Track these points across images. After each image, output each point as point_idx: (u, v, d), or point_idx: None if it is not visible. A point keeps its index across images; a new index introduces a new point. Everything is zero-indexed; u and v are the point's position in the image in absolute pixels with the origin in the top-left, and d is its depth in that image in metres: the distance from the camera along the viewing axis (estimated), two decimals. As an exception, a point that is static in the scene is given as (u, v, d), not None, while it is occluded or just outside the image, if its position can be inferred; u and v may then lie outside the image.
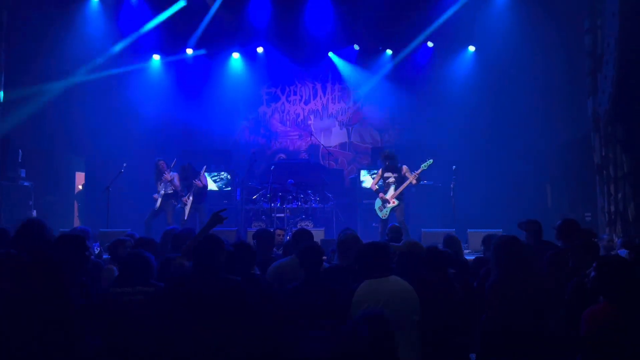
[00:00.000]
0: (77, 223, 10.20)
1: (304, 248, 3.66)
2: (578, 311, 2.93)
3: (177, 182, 8.66)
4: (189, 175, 8.72)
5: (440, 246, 4.35)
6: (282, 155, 12.36)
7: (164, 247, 4.83)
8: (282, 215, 9.89)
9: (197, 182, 8.64)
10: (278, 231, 6.97)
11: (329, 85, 12.55)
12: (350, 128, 12.50)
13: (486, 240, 5.07)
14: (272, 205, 9.65)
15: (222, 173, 10.93)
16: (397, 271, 3.75)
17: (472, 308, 3.50)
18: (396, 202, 7.78)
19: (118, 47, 10.67)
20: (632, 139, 7.94)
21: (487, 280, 3.49)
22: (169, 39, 11.33)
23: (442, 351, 3.23)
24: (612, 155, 8.23)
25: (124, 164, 8.78)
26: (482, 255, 5.11)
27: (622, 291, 2.73)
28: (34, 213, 8.92)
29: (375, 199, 8.06)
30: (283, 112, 12.60)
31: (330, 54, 11.85)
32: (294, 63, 12.08)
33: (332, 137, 12.50)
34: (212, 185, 10.84)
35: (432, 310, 3.27)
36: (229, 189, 10.94)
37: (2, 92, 8.68)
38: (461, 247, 5.07)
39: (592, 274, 2.86)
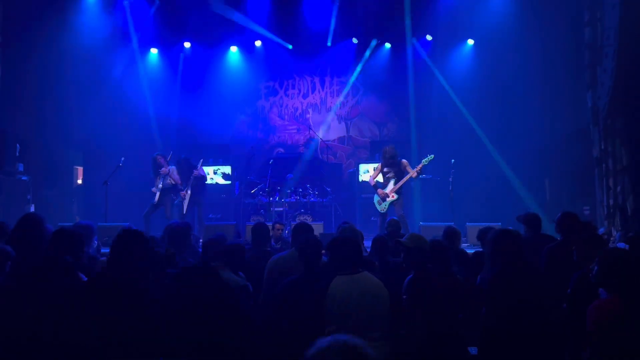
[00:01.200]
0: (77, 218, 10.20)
1: (304, 241, 3.64)
2: (581, 304, 2.91)
3: (176, 175, 8.63)
4: (186, 169, 8.69)
5: (440, 238, 4.33)
6: (281, 150, 12.34)
7: (164, 241, 4.81)
8: (280, 209, 9.89)
9: (196, 172, 8.62)
10: (277, 225, 6.96)
11: (327, 79, 12.50)
12: (349, 122, 12.47)
13: (481, 235, 4.98)
14: (271, 199, 9.64)
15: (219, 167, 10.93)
16: (404, 266, 3.74)
17: (473, 301, 3.49)
18: (395, 196, 7.77)
19: (115, 40, 10.62)
20: (631, 132, 7.93)
21: (486, 274, 3.48)
22: (167, 32, 11.27)
23: (442, 344, 3.22)
24: (611, 148, 8.23)
25: (122, 158, 8.74)
26: (481, 250, 5.09)
27: (627, 283, 2.70)
28: (32, 207, 8.89)
29: (374, 192, 8.05)
30: (281, 106, 12.56)
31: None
32: (293, 57, 12.03)
33: (331, 131, 12.47)
34: (216, 178, 10.87)
35: (436, 304, 3.25)
36: (229, 182, 10.94)
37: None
38: (460, 239, 5.05)
39: (595, 267, 2.83)
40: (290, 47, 11.83)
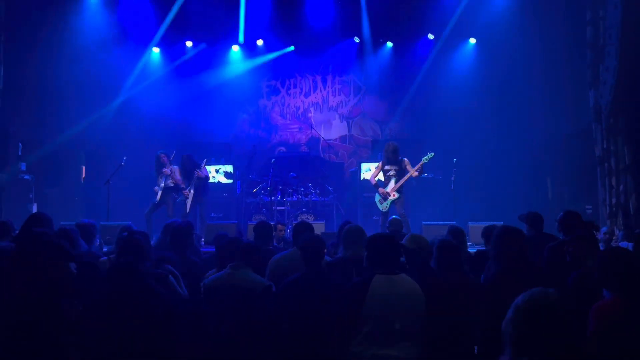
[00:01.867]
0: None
1: (306, 240, 3.63)
2: (579, 304, 2.90)
3: (177, 175, 8.61)
4: (189, 168, 8.69)
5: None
6: (282, 149, 12.33)
7: (164, 239, 4.80)
8: (282, 208, 9.89)
9: (199, 173, 8.62)
10: (279, 226, 6.97)
11: (329, 78, 12.49)
12: (351, 121, 12.47)
13: (486, 233, 4.99)
14: (273, 198, 9.64)
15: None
16: (407, 267, 3.71)
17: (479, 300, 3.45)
18: (396, 195, 7.76)
19: (117, 39, 10.63)
20: (634, 130, 7.92)
21: (487, 272, 3.47)
22: (169, 31, 11.27)
23: (450, 346, 3.20)
24: (614, 147, 8.22)
25: (124, 157, 8.75)
26: (483, 249, 5.08)
27: (628, 284, 2.69)
28: (35, 206, 8.92)
29: (376, 191, 8.04)
30: (283, 105, 12.56)
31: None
32: (295, 56, 12.02)
33: (333, 130, 12.46)
34: (218, 177, 10.89)
35: (445, 307, 3.21)
36: (231, 181, 10.96)
37: (1, 85, 8.65)
38: (465, 239, 5.03)
39: (597, 266, 2.81)
40: (292, 48, 11.84)
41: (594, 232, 4.72)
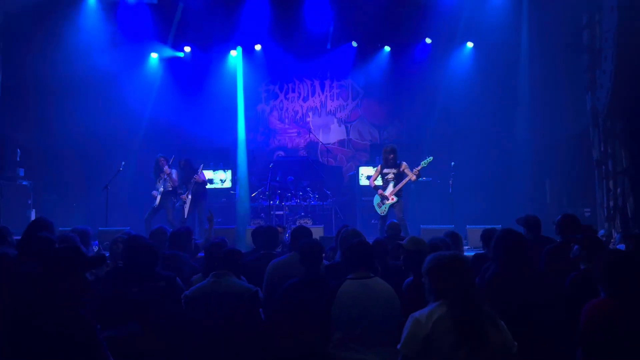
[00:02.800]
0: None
1: (305, 244, 3.64)
2: (576, 304, 2.91)
3: (175, 177, 8.64)
4: (187, 172, 8.70)
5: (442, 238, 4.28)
6: (281, 153, 12.34)
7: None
8: (281, 212, 9.89)
9: (197, 177, 8.63)
10: (279, 228, 6.94)
11: (327, 83, 12.53)
12: (349, 125, 12.49)
13: (484, 236, 4.99)
14: (271, 202, 9.64)
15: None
16: (404, 269, 3.73)
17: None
18: (395, 199, 7.76)
19: (116, 45, 10.64)
20: (631, 133, 7.94)
21: (486, 274, 3.47)
22: (167, 36, 11.28)
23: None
24: (611, 150, 8.25)
25: (123, 163, 8.76)
26: (481, 252, 5.08)
27: (622, 285, 2.71)
28: (33, 212, 8.91)
29: (374, 195, 8.05)
30: (282, 109, 12.57)
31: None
32: (293, 60, 12.04)
33: (331, 134, 12.48)
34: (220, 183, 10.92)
35: None
36: (229, 185, 10.96)
37: (-1, 91, 8.67)
38: (462, 243, 5.03)
39: (595, 268, 2.83)
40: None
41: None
